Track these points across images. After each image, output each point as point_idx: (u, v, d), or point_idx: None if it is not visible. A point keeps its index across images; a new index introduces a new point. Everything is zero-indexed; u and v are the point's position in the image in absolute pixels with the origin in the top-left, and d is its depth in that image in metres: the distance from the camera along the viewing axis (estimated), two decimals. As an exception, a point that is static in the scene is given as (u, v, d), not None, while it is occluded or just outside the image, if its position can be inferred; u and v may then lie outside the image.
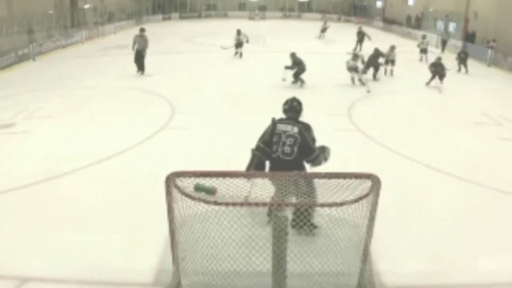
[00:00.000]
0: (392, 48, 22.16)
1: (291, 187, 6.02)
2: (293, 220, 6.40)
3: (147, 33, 20.68)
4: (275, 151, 7.08)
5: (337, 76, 19.43)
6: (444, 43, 30.54)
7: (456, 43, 31.53)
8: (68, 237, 7.50)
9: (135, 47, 20.27)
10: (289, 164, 6.97)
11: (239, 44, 26.43)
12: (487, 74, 24.42)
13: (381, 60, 21.12)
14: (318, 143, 7.40)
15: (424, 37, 27.35)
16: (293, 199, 5.91)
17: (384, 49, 21.37)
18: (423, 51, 26.60)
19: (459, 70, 24.18)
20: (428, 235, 7.71)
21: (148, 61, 20.10)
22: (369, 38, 29.74)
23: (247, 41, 26.57)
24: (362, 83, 18.53)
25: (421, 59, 26.59)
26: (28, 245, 7.26)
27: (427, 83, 19.33)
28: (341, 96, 17.01)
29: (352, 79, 18.94)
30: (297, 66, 18.15)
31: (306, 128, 7.26)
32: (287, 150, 7.01)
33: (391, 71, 22.21)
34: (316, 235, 7.07)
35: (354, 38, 30.74)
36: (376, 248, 6.44)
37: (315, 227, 7.00)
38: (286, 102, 7.52)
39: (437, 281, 6.55)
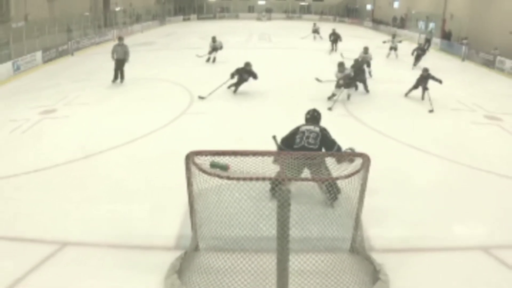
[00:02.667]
0: (366, 49, 19.27)
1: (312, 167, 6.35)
2: (329, 194, 6.77)
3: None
4: (299, 142, 7.39)
5: (331, 69, 19.22)
6: (428, 41, 29.93)
7: (436, 41, 31.43)
8: (101, 207, 7.55)
9: (115, 57, 17.19)
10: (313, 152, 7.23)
11: (213, 50, 22.66)
12: (461, 67, 24.18)
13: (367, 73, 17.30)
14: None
15: (394, 36, 26.28)
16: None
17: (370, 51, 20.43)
18: (392, 48, 25.17)
19: (415, 65, 21.77)
20: (410, 206, 7.73)
21: (170, 56, 19.48)
22: (340, 40, 27.98)
23: (221, 48, 22.75)
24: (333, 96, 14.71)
25: (388, 56, 25.32)
26: (67, 214, 7.32)
27: (422, 98, 15.07)
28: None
29: (334, 95, 14.58)
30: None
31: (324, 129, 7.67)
32: (311, 141, 7.36)
33: (369, 72, 18.67)
34: (315, 205, 7.05)
35: (345, 36, 30.07)
36: (366, 217, 6.42)
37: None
38: (308, 112, 8.04)
39: (417, 244, 6.60)
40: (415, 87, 15.38)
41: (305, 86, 16.32)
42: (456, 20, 31.23)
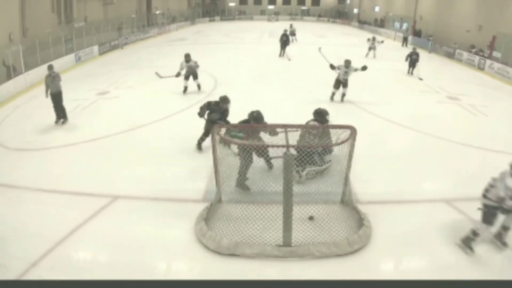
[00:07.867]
0: (348, 63, 11.73)
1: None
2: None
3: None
4: None
5: (325, 61, 18.91)
6: (405, 39, 28.70)
7: (408, 37, 30.69)
8: (144, 168, 7.57)
9: (48, 92, 9.90)
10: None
11: (190, 75, 12.85)
12: (428, 58, 23.51)
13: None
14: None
15: (374, 38, 22.68)
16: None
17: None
18: (371, 48, 22.04)
19: (409, 72, 16.95)
20: (388, 167, 7.69)
21: (199, 49, 17.64)
22: (288, 44, 21.66)
23: (197, 67, 12.87)
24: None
25: (367, 55, 21.81)
26: (117, 174, 7.36)
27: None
28: (331, 74, 16.46)
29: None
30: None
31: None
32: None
33: (343, 95, 12.02)
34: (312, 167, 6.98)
35: (337, 33, 29.25)
36: (354, 176, 6.32)
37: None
38: (316, 111, 7.65)
39: (394, 198, 6.59)
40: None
41: (305, 73, 16.08)
42: (424, 21, 30.66)
